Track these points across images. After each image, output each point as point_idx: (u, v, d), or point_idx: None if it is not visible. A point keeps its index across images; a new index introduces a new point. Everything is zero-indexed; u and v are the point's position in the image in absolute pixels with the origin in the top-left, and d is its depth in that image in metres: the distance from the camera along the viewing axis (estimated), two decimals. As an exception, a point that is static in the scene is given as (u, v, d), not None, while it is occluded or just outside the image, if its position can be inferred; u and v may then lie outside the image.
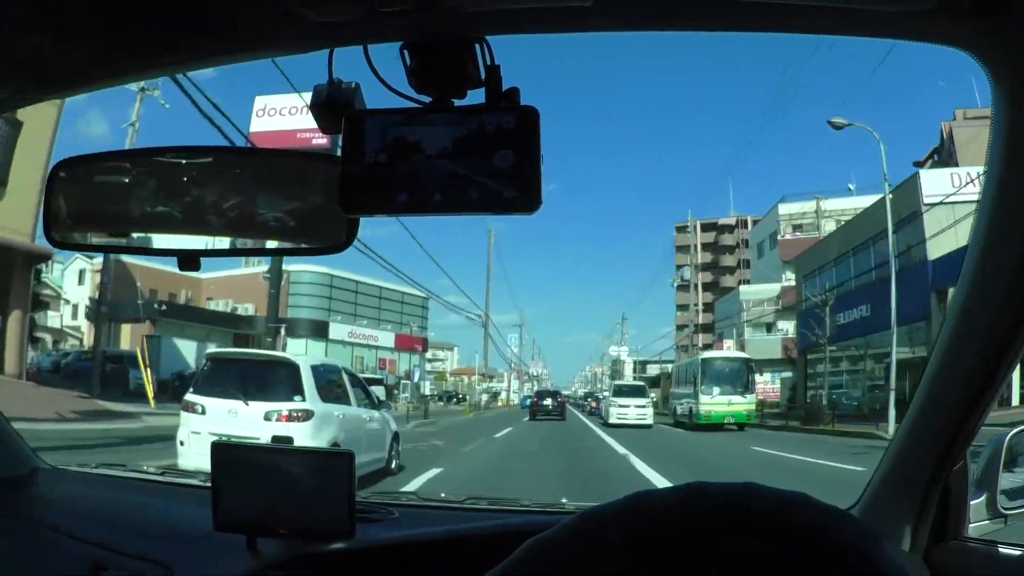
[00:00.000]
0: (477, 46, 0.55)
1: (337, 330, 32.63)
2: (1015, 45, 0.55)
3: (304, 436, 5.05)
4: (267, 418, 5.16)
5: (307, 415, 5.26)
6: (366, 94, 0.59)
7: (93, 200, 0.70)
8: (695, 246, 32.79)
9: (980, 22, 0.53)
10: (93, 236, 0.70)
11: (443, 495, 1.37)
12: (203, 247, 0.65)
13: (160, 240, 0.67)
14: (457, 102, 0.56)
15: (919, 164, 19.70)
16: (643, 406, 18.39)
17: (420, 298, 38.49)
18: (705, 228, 61.47)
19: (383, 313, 37.12)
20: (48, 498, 1.15)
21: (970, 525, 0.91)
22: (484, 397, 35.07)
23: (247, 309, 29.01)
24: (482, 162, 0.54)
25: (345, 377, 6.28)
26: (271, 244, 0.69)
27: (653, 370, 50.79)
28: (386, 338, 37.30)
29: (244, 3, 0.55)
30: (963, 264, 0.70)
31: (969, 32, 0.55)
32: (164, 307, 23.02)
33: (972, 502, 0.91)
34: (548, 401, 23.10)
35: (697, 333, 49.73)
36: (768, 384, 25.32)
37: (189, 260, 0.65)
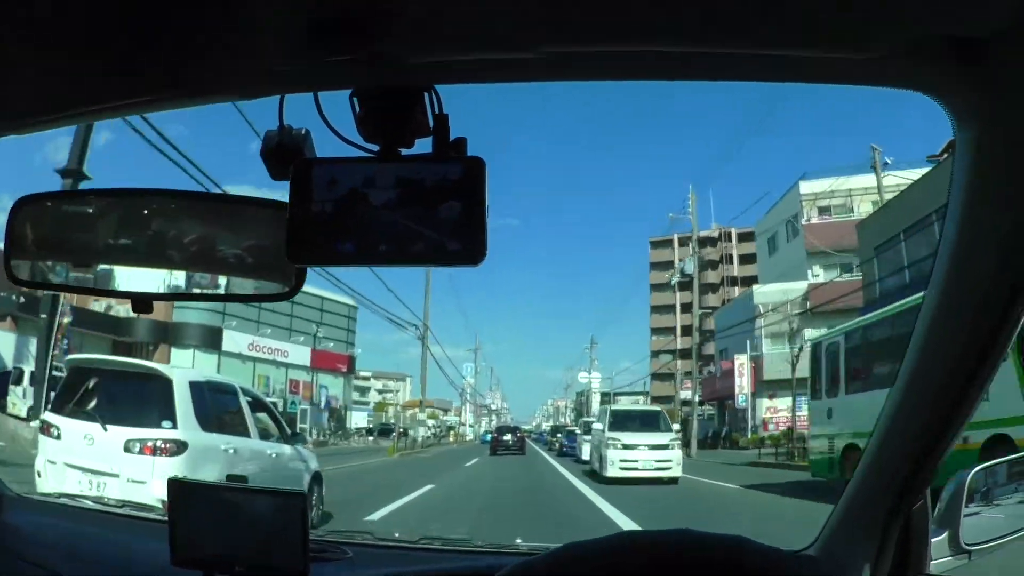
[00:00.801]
0: (426, 95, 0.61)
1: (234, 340, 28.20)
2: (979, 91, 0.60)
3: (174, 475, 4.42)
4: (127, 449, 4.50)
5: (178, 448, 4.54)
6: (316, 141, 0.65)
7: (51, 238, 0.77)
8: (694, 238, 28.08)
9: (945, 68, 0.59)
10: (51, 274, 0.78)
11: (397, 535, 1.51)
12: (155, 291, 0.73)
13: (114, 281, 0.76)
14: (405, 151, 0.62)
15: (934, 158, 17.39)
16: (665, 446, 11.96)
17: (346, 306, 34.96)
18: (684, 243, 62.14)
19: (297, 323, 32.53)
20: (13, 525, 1.27)
21: (932, 562, 0.98)
22: (422, 431, 32.67)
23: (127, 310, 24.60)
24: (427, 213, 0.59)
25: (243, 400, 5.46)
26: (221, 290, 0.76)
27: (623, 403, 50.98)
28: (300, 354, 32.94)
29: (196, 49, 0.60)
30: (924, 300, 0.78)
31: (934, 78, 0.61)
32: (23, 300, 18.33)
33: (934, 540, 0.98)
34: (508, 437, 26.69)
35: (676, 359, 49.31)
36: (787, 412, 20.96)
37: (141, 303, 0.73)
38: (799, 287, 23.36)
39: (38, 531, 1.28)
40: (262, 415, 5.57)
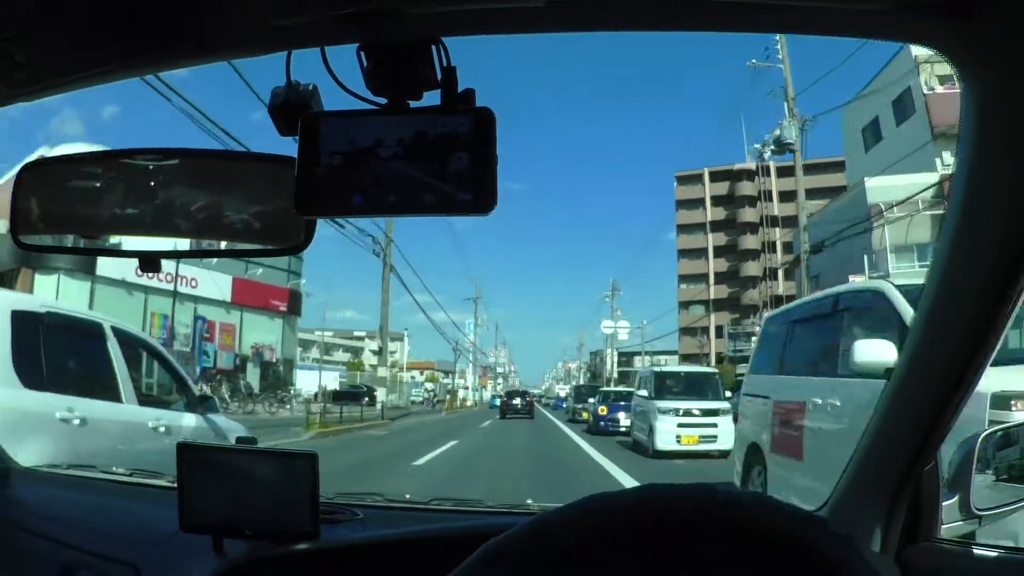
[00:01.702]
0: (433, 48, 0.68)
1: (116, 263, 19.80)
2: (985, 44, 0.66)
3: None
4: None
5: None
6: (324, 96, 0.74)
7: (58, 202, 0.88)
8: (789, 93, 18.98)
9: (950, 20, 0.64)
10: (59, 238, 0.89)
11: (408, 496, 1.64)
12: (165, 249, 0.84)
13: (122, 242, 0.87)
14: (413, 104, 0.69)
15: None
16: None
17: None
18: (716, 177, 59.56)
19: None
20: (20, 499, 1.45)
21: (943, 526, 1.10)
22: (413, 394, 33.83)
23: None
24: (437, 164, 0.67)
25: (111, 346, 4.09)
26: (230, 245, 0.87)
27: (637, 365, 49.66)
28: (216, 285, 25.64)
29: (200, 6, 0.66)
30: (934, 258, 0.87)
31: (939, 30, 0.67)
32: None
33: (944, 503, 1.10)
34: (517, 400, 31.30)
35: (710, 313, 47.95)
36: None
37: (150, 262, 0.85)
38: (927, 179, 17.79)
39: (46, 503, 1.46)
40: (144, 369, 4.47)
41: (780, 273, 34.74)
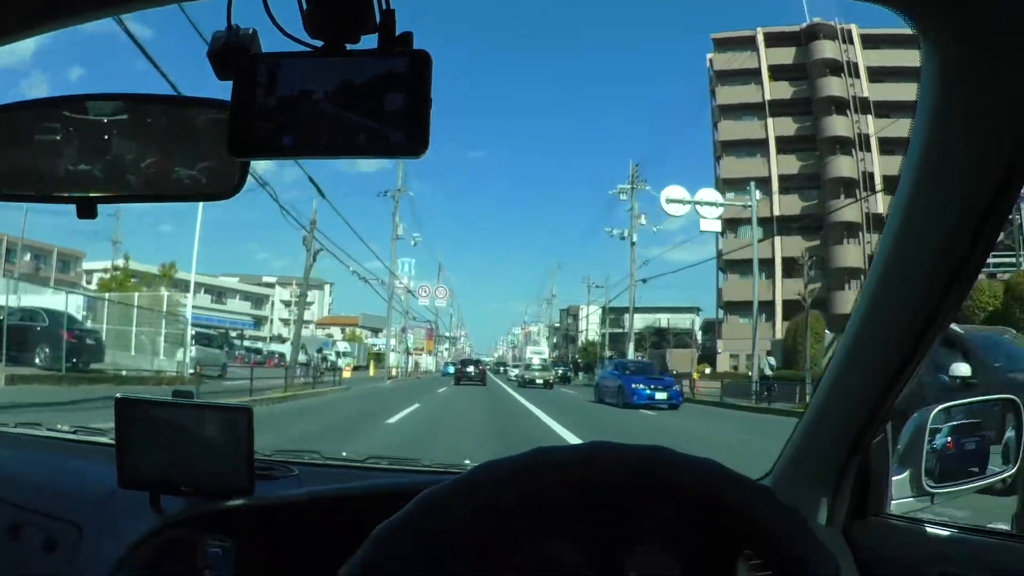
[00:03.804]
0: None
1: None
2: (945, 5, 0.83)
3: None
4: None
5: None
6: (264, 41, 0.94)
7: None
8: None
9: None
10: None
11: (344, 454, 2.22)
12: (99, 195, 1.08)
13: (59, 189, 1.10)
14: (350, 47, 0.90)
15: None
16: None
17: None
18: (774, 41, 57.46)
19: None
20: None
21: (893, 502, 1.45)
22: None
23: None
24: (370, 106, 0.88)
25: None
26: (164, 191, 1.11)
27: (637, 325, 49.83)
28: None
29: None
30: (887, 221, 1.12)
31: None
32: None
33: (895, 478, 1.45)
34: (471, 368, 46.49)
35: (774, 235, 45.97)
36: None
37: (85, 207, 1.08)
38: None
39: None
40: None
41: (878, 177, 33.98)
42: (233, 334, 67.85)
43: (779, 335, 44.97)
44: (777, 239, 48.97)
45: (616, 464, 1.00)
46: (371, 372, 50.84)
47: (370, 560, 0.92)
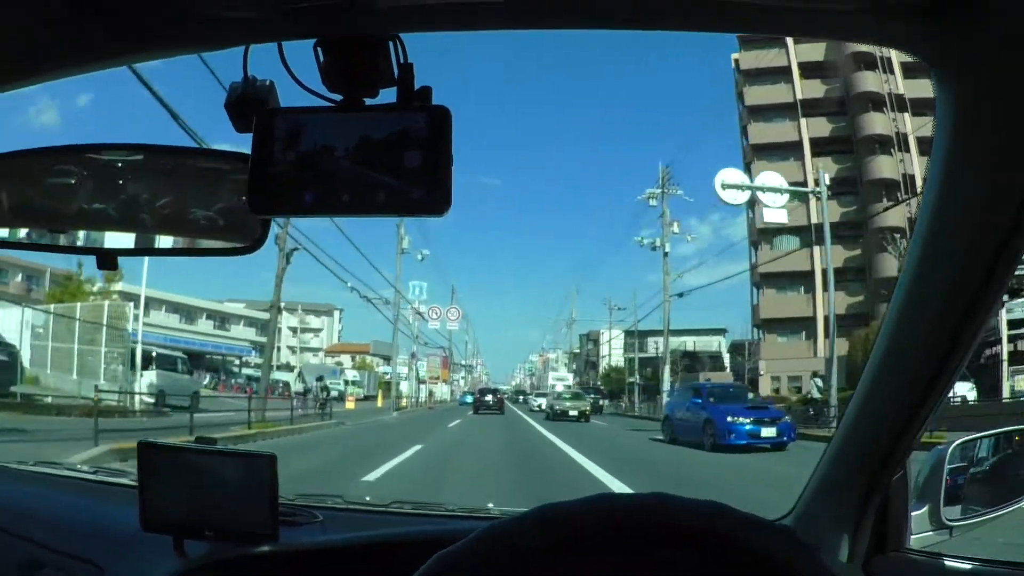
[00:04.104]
0: (391, 43, 0.95)
1: None
2: (959, 47, 0.91)
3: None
4: None
5: None
6: (281, 92, 1.02)
7: (12, 197, 1.21)
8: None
9: (924, 23, 0.88)
10: (13, 233, 1.22)
11: (368, 499, 2.39)
12: (120, 246, 1.15)
13: (79, 238, 1.19)
14: (369, 101, 0.97)
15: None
16: None
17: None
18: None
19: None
20: None
21: (912, 536, 1.54)
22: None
23: None
24: (391, 163, 0.93)
25: None
26: (185, 243, 1.17)
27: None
28: None
29: (157, 1, 0.93)
30: (906, 259, 1.20)
31: (913, 33, 0.92)
32: None
33: (914, 513, 1.54)
34: (489, 397, 49.34)
35: (813, 244, 44.40)
36: None
37: (107, 259, 1.15)
38: None
39: (12, 500, 2.07)
40: None
41: (919, 179, 32.73)
42: (242, 361, 68.60)
43: (822, 353, 43.72)
44: (817, 249, 47.72)
45: (625, 513, 1.08)
46: (379, 402, 49.78)
47: None
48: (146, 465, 1.72)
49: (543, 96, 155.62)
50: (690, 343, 63.91)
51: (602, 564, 1.12)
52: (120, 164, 1.16)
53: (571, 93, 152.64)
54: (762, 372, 52.71)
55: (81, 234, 1.19)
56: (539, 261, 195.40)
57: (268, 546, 1.70)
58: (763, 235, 49.27)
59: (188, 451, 1.74)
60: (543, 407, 49.99)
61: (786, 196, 32.58)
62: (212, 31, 1.01)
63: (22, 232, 1.22)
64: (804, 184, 46.94)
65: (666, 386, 39.99)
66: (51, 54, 1.05)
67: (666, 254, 43.14)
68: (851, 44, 48.95)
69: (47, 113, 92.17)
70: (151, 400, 26.62)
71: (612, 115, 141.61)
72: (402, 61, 0.96)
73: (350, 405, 41.58)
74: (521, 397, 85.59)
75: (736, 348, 62.49)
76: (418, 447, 17.47)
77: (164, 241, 1.17)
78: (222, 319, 78.93)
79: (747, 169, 53.09)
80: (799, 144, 53.11)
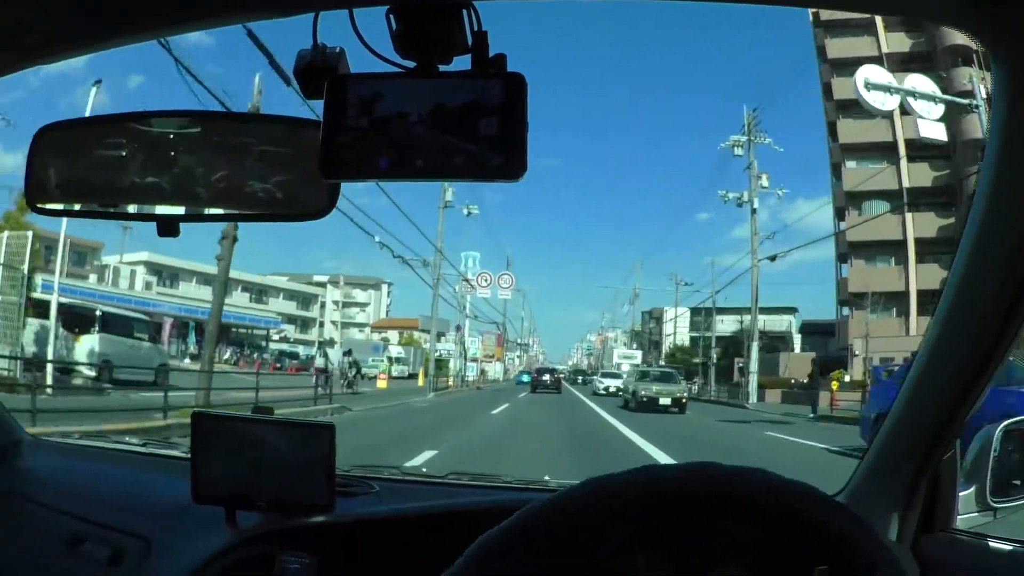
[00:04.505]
0: (464, 11, 1.00)
1: None
2: (1015, 26, 0.96)
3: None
4: None
5: None
6: (351, 60, 1.07)
7: (74, 165, 1.30)
8: None
9: (982, 2, 0.94)
10: (74, 202, 1.33)
11: (425, 470, 2.68)
12: (183, 212, 1.23)
13: (141, 205, 1.24)
14: (442, 67, 1.03)
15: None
16: None
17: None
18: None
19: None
20: (29, 469, 2.18)
21: (959, 517, 1.64)
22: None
23: None
24: (466, 128, 0.99)
25: None
26: (252, 209, 1.25)
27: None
28: None
29: None
30: (958, 248, 1.29)
31: (969, 11, 0.98)
32: None
33: (961, 493, 1.65)
34: (546, 377, 52.17)
35: (905, 211, 42.06)
36: None
37: (168, 225, 1.21)
38: None
39: (56, 474, 2.20)
40: None
41: None
42: (268, 334, 69.25)
43: (914, 331, 42.18)
44: (909, 216, 46.03)
45: (672, 485, 1.15)
46: (420, 381, 46.03)
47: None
48: (200, 435, 1.83)
49: (604, 72, 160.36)
50: (761, 322, 62.40)
51: (654, 534, 1.18)
52: (182, 130, 1.23)
53: (635, 67, 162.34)
54: (857, 352, 50.67)
55: (142, 201, 1.24)
56: (598, 239, 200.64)
57: (324, 516, 1.80)
58: (851, 200, 47.55)
59: (244, 421, 1.84)
60: (611, 390, 47.40)
61: (943, 107, 30.38)
62: None
63: (81, 200, 1.32)
64: (893, 144, 45.38)
65: (754, 366, 37.38)
66: (110, 19, 1.10)
67: (754, 210, 41.84)
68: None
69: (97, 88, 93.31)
70: (91, 374, 23.41)
71: (678, 87, 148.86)
72: (476, 29, 1.02)
73: (382, 384, 40.83)
74: (580, 378, 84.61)
75: (810, 328, 60.74)
76: (429, 454, 13.48)
77: (228, 207, 1.26)
78: (259, 292, 79.67)
79: (830, 129, 51.48)
80: (892, 145, 51.16)
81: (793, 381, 36.66)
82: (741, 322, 54.65)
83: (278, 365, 54.64)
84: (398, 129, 1.01)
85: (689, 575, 1.18)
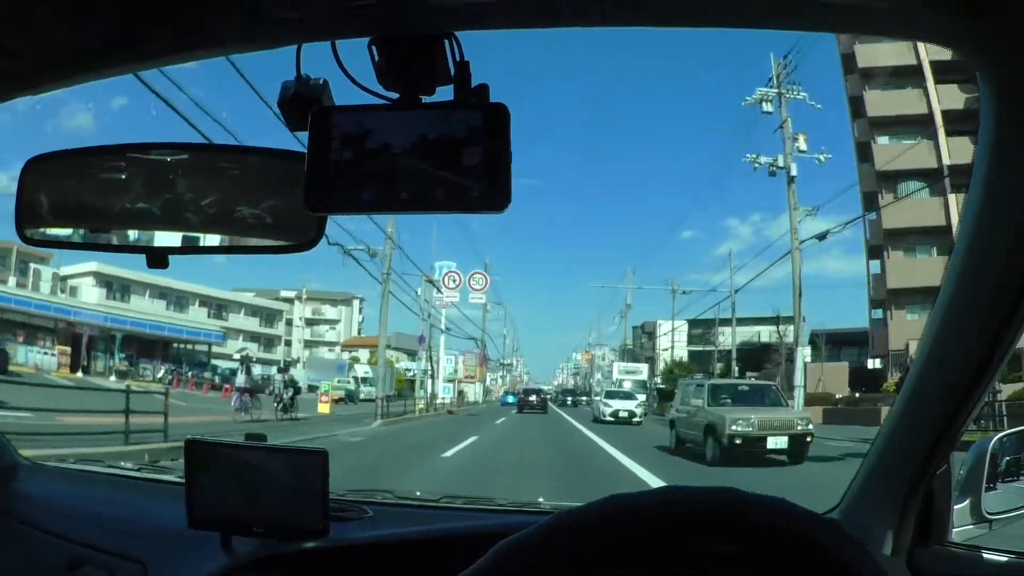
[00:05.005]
0: (446, 42, 1.05)
1: None
2: (1000, 43, 1.00)
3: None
4: None
5: None
6: (334, 91, 1.12)
7: (64, 196, 1.34)
8: None
9: (968, 20, 0.98)
10: (64, 232, 1.35)
11: (418, 493, 2.54)
12: (172, 244, 1.26)
13: (129, 237, 1.29)
14: (425, 99, 1.07)
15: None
16: None
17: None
18: None
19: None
20: (25, 494, 2.22)
21: (954, 530, 1.66)
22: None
23: None
24: (450, 160, 1.03)
25: None
26: (238, 241, 1.29)
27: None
28: None
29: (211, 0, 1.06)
30: (949, 260, 1.33)
31: (955, 29, 1.02)
32: None
33: (956, 506, 1.67)
34: (533, 397, 54.54)
35: (947, 191, 35.00)
36: None
37: (157, 258, 1.25)
38: None
39: (52, 499, 2.24)
40: None
41: None
42: (210, 349, 64.53)
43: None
44: (952, 197, 42.32)
45: (689, 507, 1.14)
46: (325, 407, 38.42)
47: None
48: (193, 462, 1.88)
49: (585, 91, 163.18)
50: (764, 334, 56.73)
51: (664, 555, 1.17)
52: (171, 163, 1.25)
53: (618, 87, 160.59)
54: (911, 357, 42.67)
55: (132, 233, 1.28)
56: (583, 256, 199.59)
57: (318, 541, 1.85)
58: (885, 181, 41.41)
59: (237, 448, 1.91)
60: (621, 415, 35.74)
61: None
62: (266, 30, 1.10)
63: (70, 231, 1.34)
64: (930, 117, 38.66)
65: (799, 380, 26.87)
66: (97, 51, 1.14)
67: (792, 178, 33.12)
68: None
69: (81, 115, 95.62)
70: None
71: (661, 110, 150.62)
72: (458, 59, 1.06)
73: (324, 408, 34.12)
74: (570, 399, 75.05)
75: (835, 337, 53.05)
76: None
77: (217, 239, 1.27)
78: (219, 307, 76.02)
79: (854, 106, 46.53)
80: (918, 67, 46.26)
81: (838, 396, 29.08)
82: (759, 334, 47.28)
83: (196, 382, 47.46)
84: (382, 162, 1.04)
85: None
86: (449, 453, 18.90)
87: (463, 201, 1.02)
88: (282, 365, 31.26)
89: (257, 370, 30.34)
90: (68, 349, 50.50)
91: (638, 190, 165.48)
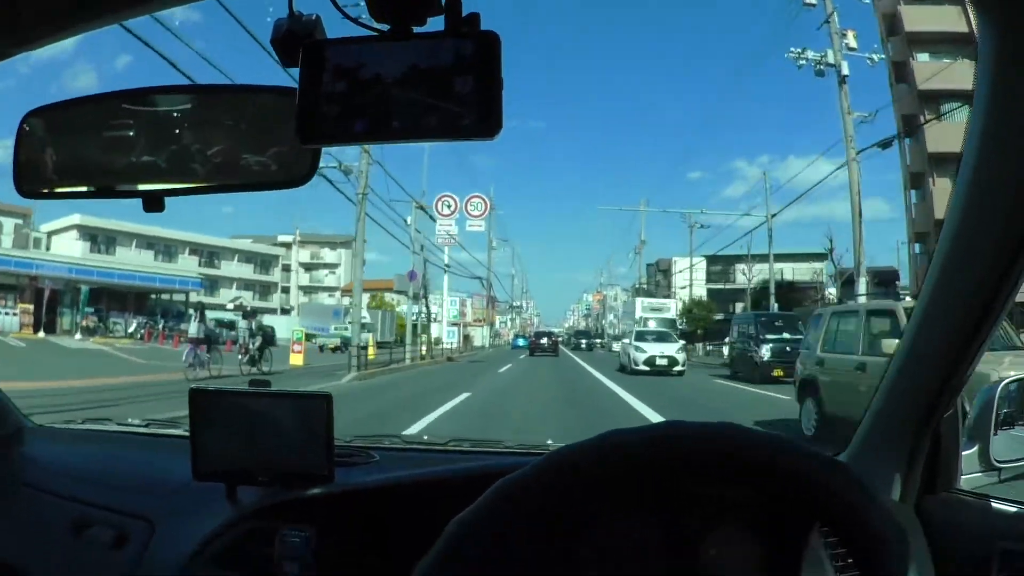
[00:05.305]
0: None
1: None
2: None
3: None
4: None
5: None
6: (327, 27, 1.14)
7: (61, 147, 1.36)
8: None
9: None
10: (62, 183, 1.36)
11: (425, 437, 2.80)
12: (167, 187, 1.27)
13: (125, 182, 1.30)
14: (417, 29, 1.08)
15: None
16: None
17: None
18: None
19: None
20: (33, 457, 2.26)
21: (962, 477, 1.65)
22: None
23: None
24: (441, 88, 1.05)
25: None
26: (235, 179, 1.29)
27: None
28: None
29: None
30: (952, 198, 1.34)
31: None
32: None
33: (964, 453, 1.65)
34: (544, 340, 58.10)
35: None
36: None
37: (153, 201, 1.27)
38: None
39: (58, 460, 2.26)
40: None
41: None
42: (187, 298, 61.89)
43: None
44: None
45: (691, 443, 1.12)
46: (370, 353, 33.76)
47: (446, 554, 1.05)
48: (197, 412, 1.90)
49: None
50: (788, 271, 56.99)
51: (665, 492, 1.18)
52: (163, 105, 1.28)
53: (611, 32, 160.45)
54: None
55: (127, 177, 1.29)
56: (592, 191, 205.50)
57: (323, 487, 1.87)
58: (926, 102, 41.01)
59: (240, 395, 1.92)
60: (658, 363, 28.94)
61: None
62: None
63: (66, 181, 1.35)
64: (969, 36, 33.97)
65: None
66: (75, 6, 1.15)
67: (844, 78, 28.25)
68: None
69: (84, 75, 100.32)
70: None
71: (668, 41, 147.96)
72: None
73: (296, 360, 30.41)
74: (584, 342, 79.93)
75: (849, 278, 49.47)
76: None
77: (212, 177, 1.28)
78: (210, 255, 73.59)
79: (888, 23, 44.40)
80: None
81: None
82: (781, 271, 44.21)
83: (167, 335, 44.51)
84: (374, 92, 1.06)
85: (685, 532, 1.20)
86: (415, 428, 13.04)
87: (455, 128, 1.04)
88: (248, 310, 26.62)
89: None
90: (31, 307, 47.77)
91: (651, 119, 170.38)
